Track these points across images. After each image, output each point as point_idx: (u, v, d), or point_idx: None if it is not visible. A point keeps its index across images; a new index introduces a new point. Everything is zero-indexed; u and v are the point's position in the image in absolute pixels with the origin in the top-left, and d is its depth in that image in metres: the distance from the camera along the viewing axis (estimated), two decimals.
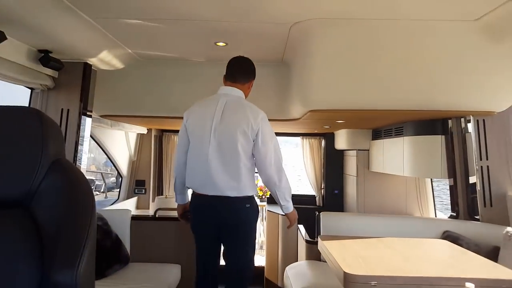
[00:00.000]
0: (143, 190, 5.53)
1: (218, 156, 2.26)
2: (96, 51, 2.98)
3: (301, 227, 4.09)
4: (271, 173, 2.35)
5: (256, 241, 2.55)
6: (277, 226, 4.83)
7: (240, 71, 2.47)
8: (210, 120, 2.30)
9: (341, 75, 2.60)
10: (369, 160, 4.78)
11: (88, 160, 3.30)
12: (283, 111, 3.58)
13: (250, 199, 2.36)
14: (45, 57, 2.68)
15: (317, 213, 3.37)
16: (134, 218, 3.12)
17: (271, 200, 5.76)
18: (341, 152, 5.51)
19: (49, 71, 2.89)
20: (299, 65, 2.98)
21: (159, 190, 5.75)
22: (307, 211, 5.49)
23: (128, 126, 4.65)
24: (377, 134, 4.56)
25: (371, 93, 2.63)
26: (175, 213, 3.41)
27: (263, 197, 7.10)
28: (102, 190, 8.68)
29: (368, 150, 4.80)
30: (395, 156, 3.93)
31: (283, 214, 2.63)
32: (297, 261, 4.61)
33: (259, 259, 5.95)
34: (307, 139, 5.65)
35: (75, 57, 2.97)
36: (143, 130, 5.30)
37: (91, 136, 4.36)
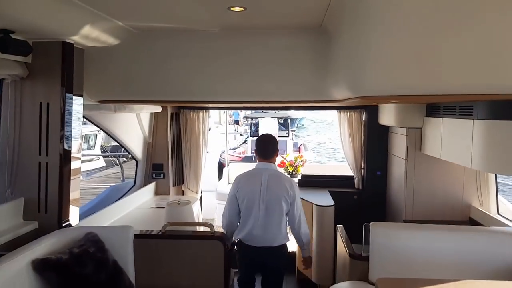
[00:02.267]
0: (162, 175, 4.99)
1: (266, 215, 3.01)
2: (74, 27, 2.30)
3: (341, 228, 3.43)
4: (301, 227, 3.16)
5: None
6: (311, 214, 4.21)
7: (269, 151, 3.12)
8: (259, 189, 3.02)
9: (411, 50, 1.80)
10: (422, 141, 3.97)
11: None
12: (319, 90, 2.82)
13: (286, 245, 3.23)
14: (3, 40, 2.02)
15: (366, 225, 2.68)
16: (138, 236, 2.55)
17: (304, 183, 5.10)
18: (386, 128, 4.70)
19: (17, 57, 2.24)
20: (347, 34, 2.18)
21: (179, 177, 5.20)
22: (344, 195, 4.81)
23: (137, 107, 4.02)
24: (434, 110, 3.71)
25: (452, 75, 1.82)
26: (188, 228, 2.82)
27: (294, 173, 6.46)
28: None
29: (421, 128, 3.97)
30: (460, 142, 3.12)
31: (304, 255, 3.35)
32: (334, 263, 4.04)
33: (290, 244, 5.44)
34: (345, 113, 4.85)
35: (50, 36, 2.30)
36: (157, 109, 4.67)
37: (92, 122, 3.78)
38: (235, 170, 7.77)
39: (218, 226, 3.28)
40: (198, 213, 5.03)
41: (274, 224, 3.00)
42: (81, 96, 2.73)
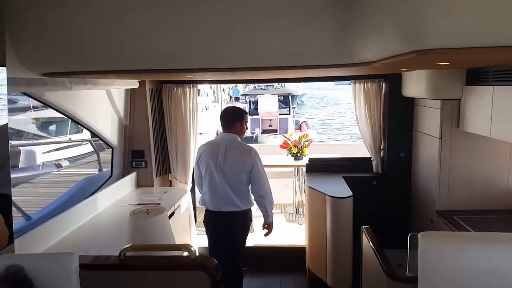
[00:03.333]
0: (143, 163, 4.21)
1: (225, 183, 3.15)
2: None
3: (368, 232, 2.68)
4: (262, 193, 3.20)
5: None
6: (324, 208, 3.47)
7: (228, 121, 3.24)
8: (217, 158, 3.16)
9: None
10: (460, 115, 3.18)
11: None
12: (341, 50, 1.96)
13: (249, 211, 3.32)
14: None
15: (415, 238, 1.93)
16: (87, 267, 1.76)
17: (312, 168, 4.33)
18: (411, 101, 3.89)
19: None
20: None
21: (164, 165, 4.43)
22: (360, 181, 4.04)
23: (104, 81, 3.20)
24: (479, 77, 2.89)
25: None
26: (159, 253, 2.03)
27: (299, 154, 5.68)
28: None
29: (459, 100, 3.17)
30: None
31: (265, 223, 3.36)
32: (353, 263, 3.33)
33: (299, 236, 4.75)
34: (361, 84, 4.03)
35: None
36: (133, 84, 3.85)
37: (42, 102, 2.98)
38: None
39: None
40: (189, 207, 4.29)
41: (233, 191, 3.11)
42: (2, 66, 1.91)
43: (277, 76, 3.79)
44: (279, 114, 15.79)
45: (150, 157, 4.20)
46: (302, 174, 5.86)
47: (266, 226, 3.36)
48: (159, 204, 3.60)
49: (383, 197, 4.06)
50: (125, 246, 1.85)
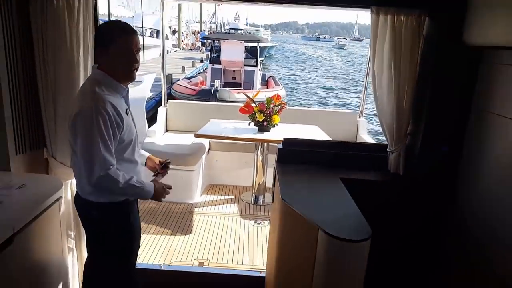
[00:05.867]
0: None
1: None
2: None
3: None
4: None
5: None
6: (312, 244, 1.77)
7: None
8: None
9: None
10: None
11: None
12: None
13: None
14: None
15: None
16: None
17: (287, 157, 2.62)
18: (477, 56, 2.20)
19: None
20: None
21: (33, 132, 2.52)
22: (367, 187, 2.41)
23: None
24: None
25: None
26: None
27: (265, 124, 3.94)
28: None
29: None
30: None
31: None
32: None
33: (256, 249, 3.18)
34: (388, 16, 2.28)
35: None
36: None
37: None
38: (176, 110, 5.15)
39: None
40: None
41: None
42: None
43: None
44: (245, 65, 13.74)
45: (3, 117, 2.30)
46: (267, 148, 4.18)
47: None
48: None
49: (405, 218, 2.45)
50: None
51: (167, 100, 5.15)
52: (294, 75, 30.16)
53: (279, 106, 4.00)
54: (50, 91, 2.42)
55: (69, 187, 2.60)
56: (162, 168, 2.16)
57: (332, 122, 4.80)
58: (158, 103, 5.25)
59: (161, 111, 5.02)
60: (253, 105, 4.00)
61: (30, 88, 2.46)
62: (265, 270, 2.80)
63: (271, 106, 3.96)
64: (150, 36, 27.45)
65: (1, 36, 2.21)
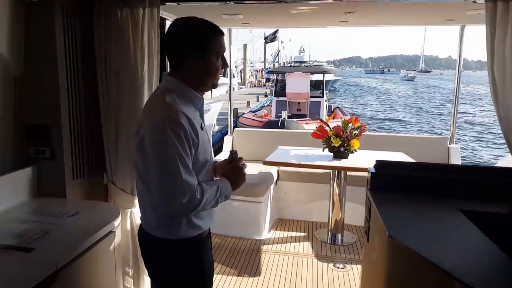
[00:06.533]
0: (47, 151, 2.14)
1: None
2: None
3: None
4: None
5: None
6: None
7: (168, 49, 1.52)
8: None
9: None
10: None
11: None
12: None
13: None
14: None
15: None
16: None
17: (382, 183, 2.12)
18: None
19: None
20: None
21: (92, 159, 2.32)
22: (501, 222, 1.81)
23: None
24: None
25: None
26: None
27: (342, 149, 3.48)
28: None
29: None
30: None
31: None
32: None
33: None
34: (509, 4, 1.79)
35: None
36: None
37: None
38: (243, 138, 4.86)
39: None
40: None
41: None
42: None
43: None
44: (311, 97, 13.39)
45: (61, 140, 2.12)
46: (345, 178, 3.67)
47: None
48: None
49: None
50: None
51: (230, 129, 4.92)
52: (362, 104, 29.30)
53: (359, 129, 3.52)
54: (112, 109, 2.22)
55: (129, 217, 2.33)
56: (230, 162, 1.71)
57: (418, 149, 4.17)
58: (224, 136, 5.01)
59: (227, 140, 4.77)
60: (327, 128, 3.57)
61: (91, 109, 2.28)
62: None
63: (349, 129, 3.50)
64: None
65: (65, 49, 2.07)
